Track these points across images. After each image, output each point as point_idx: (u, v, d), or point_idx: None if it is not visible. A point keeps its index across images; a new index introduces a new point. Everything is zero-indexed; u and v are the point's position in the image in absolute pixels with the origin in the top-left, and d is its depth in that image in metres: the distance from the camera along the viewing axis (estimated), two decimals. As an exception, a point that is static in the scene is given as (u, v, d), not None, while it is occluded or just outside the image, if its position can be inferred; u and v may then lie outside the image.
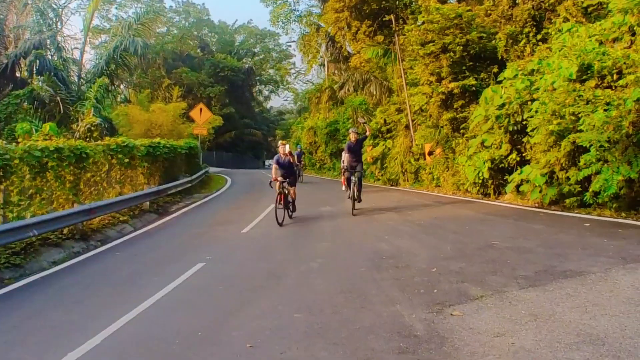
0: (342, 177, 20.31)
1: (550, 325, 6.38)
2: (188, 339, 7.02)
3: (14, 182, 13.88)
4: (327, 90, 49.58)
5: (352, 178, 18.03)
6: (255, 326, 7.33)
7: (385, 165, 33.05)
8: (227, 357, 6.35)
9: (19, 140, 16.25)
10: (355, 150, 18.69)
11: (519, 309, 7.07)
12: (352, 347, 6.33)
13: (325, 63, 57.32)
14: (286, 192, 17.07)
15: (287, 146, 17.97)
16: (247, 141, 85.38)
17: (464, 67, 23.63)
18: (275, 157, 17.66)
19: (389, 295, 8.29)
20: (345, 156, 19.18)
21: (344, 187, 20.52)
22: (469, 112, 22.67)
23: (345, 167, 18.68)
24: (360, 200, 18.46)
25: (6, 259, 12.04)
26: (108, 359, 6.60)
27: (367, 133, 20.62)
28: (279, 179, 16.86)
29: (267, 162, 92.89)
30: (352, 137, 18.84)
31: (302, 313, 7.66)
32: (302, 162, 40.88)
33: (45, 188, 15.32)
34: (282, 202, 16.91)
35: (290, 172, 17.59)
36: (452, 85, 23.33)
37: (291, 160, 17.67)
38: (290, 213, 17.78)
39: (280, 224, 16.38)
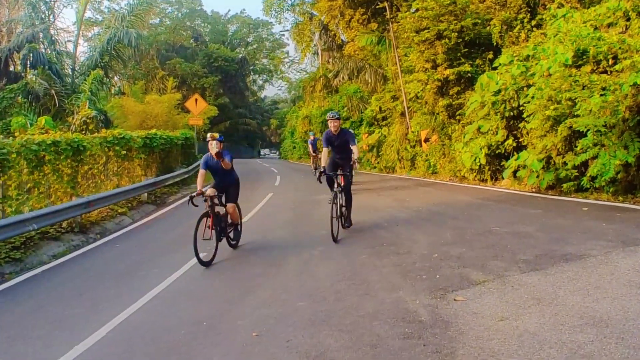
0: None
1: (553, 309, 6.43)
2: (193, 328, 7.05)
3: (12, 176, 13.87)
4: (321, 78, 49.59)
5: (335, 187, 12.43)
6: (259, 315, 7.36)
7: (381, 153, 33.16)
8: (234, 346, 6.39)
9: (16, 134, 16.22)
10: (339, 145, 12.90)
11: (521, 293, 7.11)
12: (357, 333, 6.37)
13: (319, 52, 57.27)
14: (220, 212, 11.56)
15: (215, 143, 11.06)
16: (242, 131, 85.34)
17: (459, 54, 23.66)
18: (204, 158, 11.70)
19: (391, 282, 8.33)
20: (323, 151, 13.06)
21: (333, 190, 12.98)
22: (464, 99, 22.74)
23: (322, 169, 12.53)
24: (349, 224, 13.16)
25: (6, 253, 12.05)
26: (114, 351, 6.60)
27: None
28: (207, 192, 11.19)
29: (262, 152, 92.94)
30: (332, 125, 12.72)
31: (305, 301, 7.70)
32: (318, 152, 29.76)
33: (43, 182, 15.32)
34: (211, 227, 11.01)
35: (228, 181, 11.86)
36: (447, 72, 23.37)
37: (222, 164, 11.24)
38: (232, 242, 12.09)
39: (206, 264, 10.62)
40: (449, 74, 23.35)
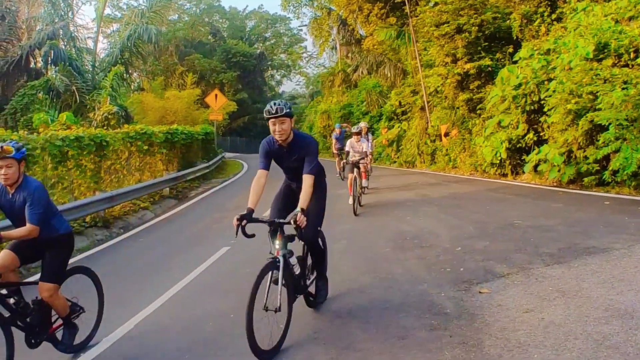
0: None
1: (578, 301, 6.46)
2: (221, 321, 7.15)
3: (36, 171, 13.99)
4: (340, 73, 49.54)
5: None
6: (285, 307, 7.44)
7: (401, 148, 33.11)
8: (262, 338, 6.46)
9: (40, 130, 16.38)
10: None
11: (545, 286, 7.15)
12: (383, 325, 6.45)
13: (337, 46, 57.29)
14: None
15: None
16: (261, 126, 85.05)
17: (479, 48, 23.59)
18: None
19: (416, 275, 8.40)
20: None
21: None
22: (485, 93, 22.69)
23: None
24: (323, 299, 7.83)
25: (31, 248, 12.16)
26: (142, 343, 6.72)
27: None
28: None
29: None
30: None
31: (331, 293, 7.76)
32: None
33: (66, 177, 15.47)
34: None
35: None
36: (467, 66, 23.32)
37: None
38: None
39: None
40: (469, 68, 23.30)
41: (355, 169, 15.57)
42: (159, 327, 7.24)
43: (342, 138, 23.77)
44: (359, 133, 16.97)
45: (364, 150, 16.60)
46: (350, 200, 15.05)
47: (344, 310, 7.11)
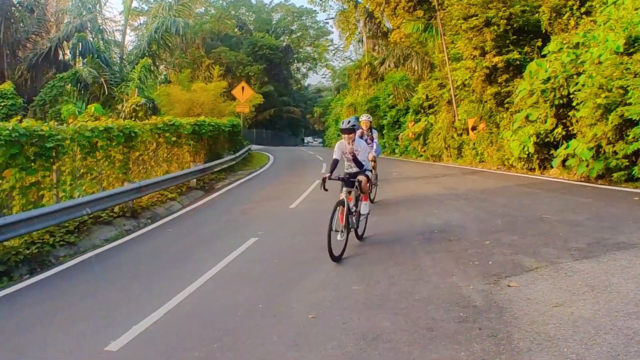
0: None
1: (607, 296, 6.45)
2: (249, 311, 7.21)
3: (66, 162, 14.17)
4: (366, 66, 49.36)
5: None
6: (314, 298, 7.52)
7: (427, 141, 32.98)
8: (291, 327, 6.53)
9: (70, 121, 16.56)
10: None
11: (574, 280, 7.13)
12: (412, 316, 6.48)
13: (364, 39, 57.09)
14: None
15: None
16: (286, 119, 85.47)
17: (507, 41, 23.40)
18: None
19: (444, 267, 8.42)
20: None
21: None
22: (513, 87, 22.52)
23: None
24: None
25: (60, 237, 12.38)
26: (172, 332, 6.79)
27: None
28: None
29: (305, 139, 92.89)
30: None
31: (360, 285, 7.81)
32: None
33: (95, 167, 15.62)
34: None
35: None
36: (496, 59, 23.15)
37: None
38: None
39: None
40: (498, 62, 23.14)
41: (346, 188, 10.43)
42: (188, 316, 7.32)
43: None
44: (351, 130, 10.63)
45: (364, 154, 11.02)
46: (340, 237, 9.78)
47: (372, 302, 7.15)
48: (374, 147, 14.93)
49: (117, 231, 14.04)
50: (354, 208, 10.46)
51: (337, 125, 61.74)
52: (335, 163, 10.52)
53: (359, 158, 10.69)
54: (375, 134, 15.35)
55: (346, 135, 10.59)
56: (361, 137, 14.00)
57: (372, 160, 13.00)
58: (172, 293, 8.19)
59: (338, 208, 9.69)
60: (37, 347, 6.46)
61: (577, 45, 18.82)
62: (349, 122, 10.64)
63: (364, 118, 15.11)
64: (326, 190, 9.90)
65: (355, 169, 10.94)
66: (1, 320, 7.59)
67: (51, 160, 13.14)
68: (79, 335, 6.74)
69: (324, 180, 10.10)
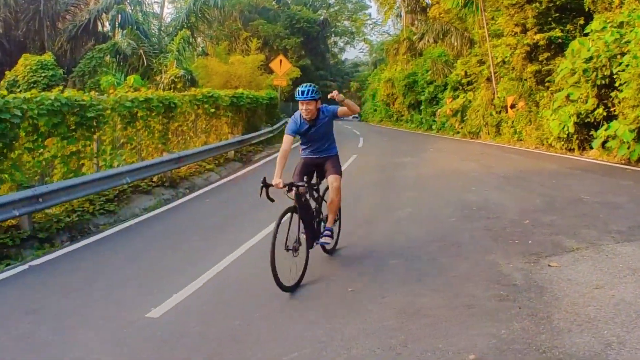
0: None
1: (650, 279, 6.41)
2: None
3: (106, 131, 14.31)
4: (405, 41, 48.90)
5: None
6: (353, 271, 7.56)
7: (465, 118, 32.75)
8: (330, 300, 6.56)
9: (110, 92, 16.68)
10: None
11: (616, 263, 7.09)
12: (451, 293, 6.50)
13: (402, 14, 56.59)
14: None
15: None
16: (322, 93, 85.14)
17: (549, 19, 23.10)
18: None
19: (483, 245, 8.40)
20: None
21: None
22: (554, 65, 22.26)
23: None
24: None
25: (101, 205, 12.52)
26: (212, 300, 6.86)
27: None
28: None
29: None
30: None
31: (398, 259, 7.82)
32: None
33: (135, 138, 15.76)
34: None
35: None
36: (537, 36, 22.86)
37: None
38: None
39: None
40: (539, 39, 22.85)
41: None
42: (228, 284, 7.41)
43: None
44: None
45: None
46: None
47: (411, 277, 7.18)
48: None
49: (156, 200, 14.16)
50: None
51: (374, 100, 61.66)
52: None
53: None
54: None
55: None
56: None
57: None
58: (213, 262, 8.26)
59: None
60: (78, 313, 6.55)
61: (621, 25, 18.49)
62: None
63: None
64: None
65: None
66: (44, 285, 7.71)
67: (92, 129, 13.26)
68: (119, 301, 6.84)
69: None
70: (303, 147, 8.15)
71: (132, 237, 10.69)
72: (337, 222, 8.51)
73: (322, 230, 7.94)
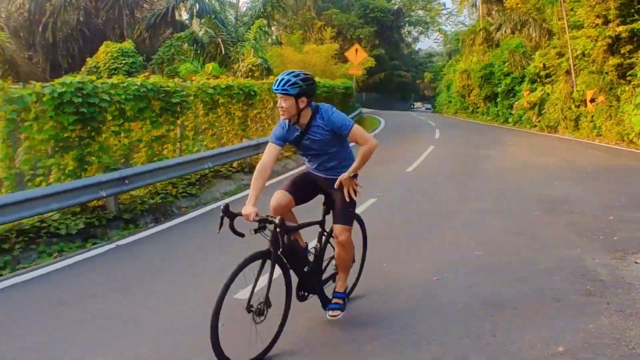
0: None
1: None
2: (373, 268, 7.23)
3: (189, 117, 14.64)
4: (481, 31, 48.18)
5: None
6: (437, 261, 7.60)
7: (543, 112, 32.15)
8: (416, 287, 6.62)
9: (192, 79, 16.99)
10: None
11: None
12: (537, 286, 6.53)
13: (478, 4, 55.86)
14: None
15: None
16: (396, 83, 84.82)
17: (632, 10, 22.45)
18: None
19: (567, 239, 8.37)
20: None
21: None
22: (637, 58, 21.67)
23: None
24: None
25: (183, 189, 12.90)
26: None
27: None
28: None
29: (414, 105, 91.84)
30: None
31: (482, 251, 7.83)
32: None
33: (216, 124, 16.06)
34: None
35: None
36: (620, 28, 22.26)
37: None
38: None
39: None
40: (622, 31, 22.25)
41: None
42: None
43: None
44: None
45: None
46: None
47: (496, 268, 7.21)
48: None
49: (236, 185, 14.44)
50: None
51: (449, 92, 61.03)
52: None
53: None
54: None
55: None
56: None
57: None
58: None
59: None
60: (163, 292, 6.71)
61: None
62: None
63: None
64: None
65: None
66: (132, 265, 7.94)
67: (176, 115, 13.59)
68: (202, 283, 6.96)
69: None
70: (304, 158, 5.83)
71: (214, 220, 10.84)
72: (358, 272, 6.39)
73: (325, 280, 5.88)
